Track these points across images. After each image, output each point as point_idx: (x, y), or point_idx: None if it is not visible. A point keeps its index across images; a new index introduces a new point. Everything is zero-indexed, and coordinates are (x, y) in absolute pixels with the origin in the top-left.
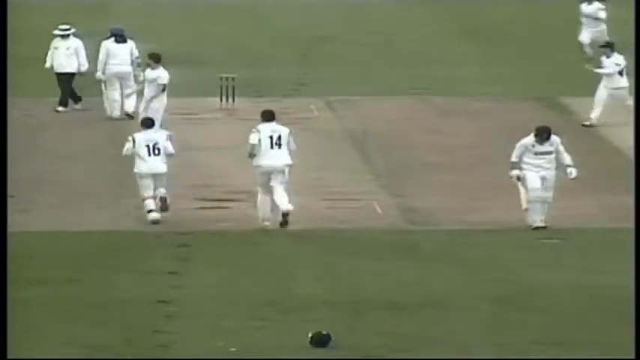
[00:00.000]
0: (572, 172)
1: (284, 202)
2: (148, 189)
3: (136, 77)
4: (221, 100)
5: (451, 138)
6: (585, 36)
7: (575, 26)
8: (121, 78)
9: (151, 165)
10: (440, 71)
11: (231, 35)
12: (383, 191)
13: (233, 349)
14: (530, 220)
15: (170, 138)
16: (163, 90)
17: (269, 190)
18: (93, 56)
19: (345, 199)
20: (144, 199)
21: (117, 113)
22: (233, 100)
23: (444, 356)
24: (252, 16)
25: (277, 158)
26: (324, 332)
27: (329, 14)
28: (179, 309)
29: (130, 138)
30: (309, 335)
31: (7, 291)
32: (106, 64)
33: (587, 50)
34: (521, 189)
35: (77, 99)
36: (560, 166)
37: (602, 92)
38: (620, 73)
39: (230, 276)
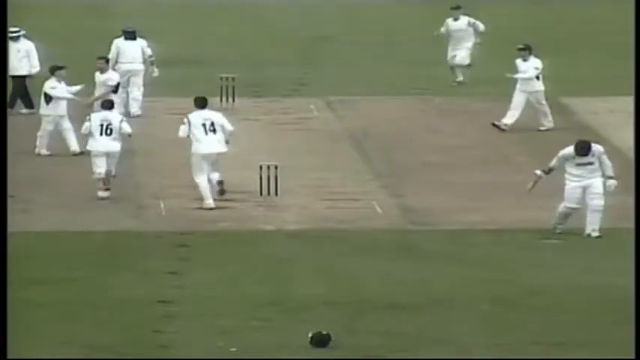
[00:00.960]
0: (612, 185)
1: (215, 175)
2: (100, 167)
3: (149, 75)
4: (221, 100)
5: (451, 138)
6: (459, 57)
7: (574, 26)
8: (131, 76)
9: (104, 144)
10: (440, 71)
11: (231, 35)
12: (383, 191)
13: (233, 349)
14: (553, 224)
15: (124, 120)
16: (115, 91)
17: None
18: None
19: (345, 199)
20: (95, 175)
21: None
22: (233, 100)
23: (444, 356)
24: (252, 16)
25: (214, 145)
26: (324, 332)
27: (329, 14)
28: (179, 309)
29: (88, 117)
30: (309, 335)
31: (7, 291)
32: (117, 62)
33: (459, 75)
34: (532, 184)
35: (29, 104)
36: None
37: (520, 96)
38: (537, 76)
39: (230, 276)
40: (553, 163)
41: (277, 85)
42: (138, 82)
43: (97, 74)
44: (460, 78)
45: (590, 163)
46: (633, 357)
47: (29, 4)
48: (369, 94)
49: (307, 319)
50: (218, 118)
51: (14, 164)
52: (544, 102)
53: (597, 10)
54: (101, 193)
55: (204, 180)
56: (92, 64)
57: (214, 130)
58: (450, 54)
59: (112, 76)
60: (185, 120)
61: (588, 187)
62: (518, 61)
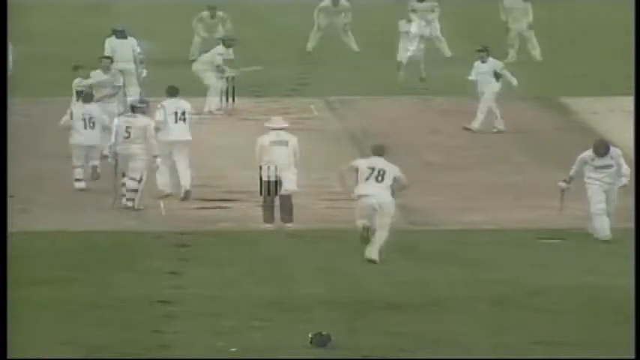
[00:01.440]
0: (623, 179)
1: (186, 181)
2: (79, 159)
3: (139, 74)
4: (221, 100)
5: (451, 138)
6: (404, 56)
7: (574, 26)
8: (124, 74)
9: (86, 137)
10: (440, 71)
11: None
12: None
13: (233, 349)
14: (601, 235)
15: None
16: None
17: (170, 162)
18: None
19: (345, 199)
20: (75, 167)
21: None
22: (233, 100)
23: (444, 356)
24: (252, 16)
25: (180, 132)
26: (324, 333)
27: None
28: (179, 309)
29: (68, 111)
30: (309, 336)
31: (7, 291)
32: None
33: (402, 73)
34: (559, 199)
35: None
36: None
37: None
38: (497, 77)
39: (230, 276)
40: (573, 169)
41: (277, 85)
42: (132, 80)
43: (99, 73)
44: (423, 74)
45: (609, 166)
46: (633, 357)
47: (29, 4)
48: (369, 94)
49: (307, 319)
50: (188, 108)
51: (14, 164)
52: (490, 105)
53: (587, 9)
54: (80, 184)
55: (162, 167)
56: (91, 64)
57: (184, 119)
58: (402, 53)
59: (117, 76)
60: (159, 106)
61: (607, 193)
62: (477, 63)
